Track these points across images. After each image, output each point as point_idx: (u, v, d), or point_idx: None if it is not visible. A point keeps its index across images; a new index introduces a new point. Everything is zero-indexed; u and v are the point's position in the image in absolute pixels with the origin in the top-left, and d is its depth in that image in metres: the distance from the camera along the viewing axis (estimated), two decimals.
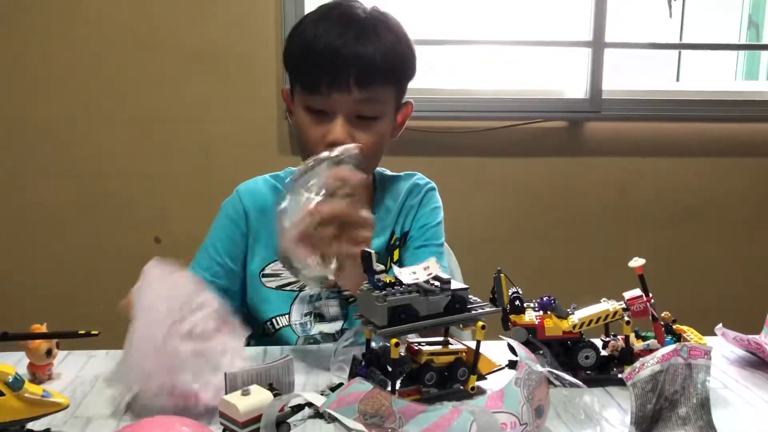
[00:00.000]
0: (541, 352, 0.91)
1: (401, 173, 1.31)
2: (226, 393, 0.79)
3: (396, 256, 1.22)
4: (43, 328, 0.89)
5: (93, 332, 0.76)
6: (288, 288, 1.19)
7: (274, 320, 1.17)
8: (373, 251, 0.84)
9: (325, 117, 1.10)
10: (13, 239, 2.10)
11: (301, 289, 1.18)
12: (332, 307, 1.18)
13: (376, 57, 1.08)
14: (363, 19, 1.11)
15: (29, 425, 0.75)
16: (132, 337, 0.78)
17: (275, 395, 0.79)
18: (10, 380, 0.71)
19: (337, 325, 1.18)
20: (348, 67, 1.06)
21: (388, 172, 1.31)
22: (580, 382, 0.79)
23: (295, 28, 1.15)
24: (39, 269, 2.11)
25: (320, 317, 1.18)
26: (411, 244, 1.23)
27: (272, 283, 1.19)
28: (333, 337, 1.18)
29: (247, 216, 1.22)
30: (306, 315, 1.18)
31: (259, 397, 0.77)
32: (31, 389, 0.73)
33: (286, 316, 1.18)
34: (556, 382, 0.78)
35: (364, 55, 1.07)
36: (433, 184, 1.30)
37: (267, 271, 1.20)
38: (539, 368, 0.75)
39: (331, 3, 1.16)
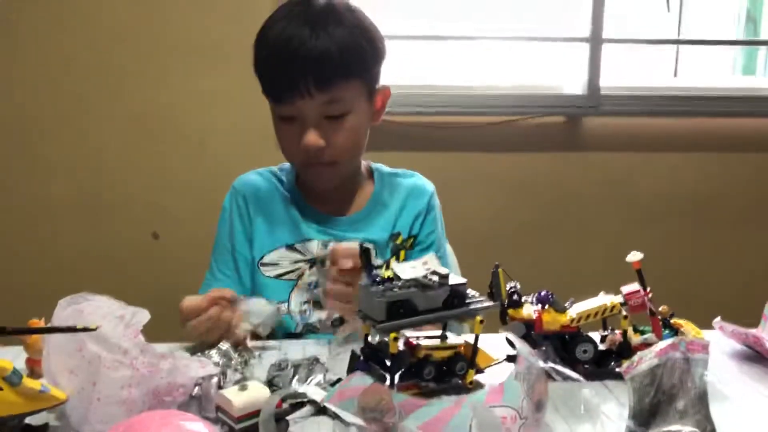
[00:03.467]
0: (543, 348, 0.91)
1: (399, 170, 1.31)
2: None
3: (402, 257, 1.22)
4: (41, 323, 0.88)
5: (91, 327, 0.76)
6: (286, 277, 1.20)
7: None
8: (371, 246, 0.84)
9: (296, 123, 1.12)
10: (11, 235, 2.09)
11: (299, 278, 1.19)
12: None
13: (330, 57, 1.07)
14: (314, 19, 1.08)
15: (27, 420, 0.75)
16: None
17: (273, 391, 0.79)
18: (9, 375, 0.71)
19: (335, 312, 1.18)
20: (305, 74, 1.06)
21: (386, 168, 1.31)
22: (579, 376, 0.79)
23: (259, 32, 1.14)
24: (37, 265, 2.10)
25: (319, 305, 1.17)
26: (417, 250, 1.23)
27: (271, 271, 1.20)
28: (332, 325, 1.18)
29: (247, 203, 1.24)
30: (305, 303, 1.18)
31: (255, 392, 0.77)
32: (30, 384, 0.73)
33: (285, 304, 1.17)
34: (555, 377, 0.78)
35: (317, 59, 1.06)
36: (433, 186, 1.31)
37: (265, 260, 1.21)
38: (539, 363, 0.75)
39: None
